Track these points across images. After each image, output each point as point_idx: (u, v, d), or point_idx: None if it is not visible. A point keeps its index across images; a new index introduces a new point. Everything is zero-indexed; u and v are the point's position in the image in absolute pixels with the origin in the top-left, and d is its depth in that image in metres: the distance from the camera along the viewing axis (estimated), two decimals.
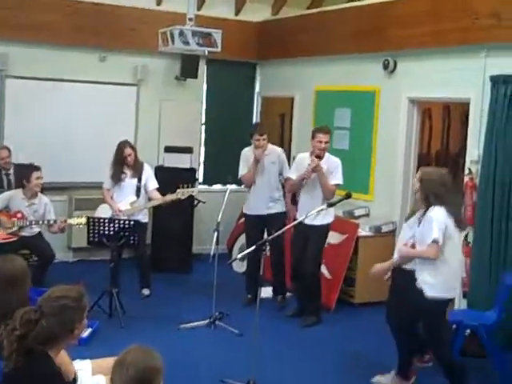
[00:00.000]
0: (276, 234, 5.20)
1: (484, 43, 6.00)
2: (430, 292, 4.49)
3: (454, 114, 8.54)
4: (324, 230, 6.36)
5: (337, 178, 6.32)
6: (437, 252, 4.42)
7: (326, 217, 6.26)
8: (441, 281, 4.49)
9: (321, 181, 6.24)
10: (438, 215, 4.45)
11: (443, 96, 6.73)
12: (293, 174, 6.50)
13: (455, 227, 4.51)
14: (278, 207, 6.84)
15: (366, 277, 4.89)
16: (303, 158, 6.47)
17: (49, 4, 7.87)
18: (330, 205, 5.17)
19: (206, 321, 6.16)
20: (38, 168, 6.73)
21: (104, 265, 6.67)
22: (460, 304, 6.01)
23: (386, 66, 7.12)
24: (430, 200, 4.52)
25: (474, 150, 6.12)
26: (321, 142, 6.26)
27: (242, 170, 6.88)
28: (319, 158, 6.21)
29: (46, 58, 8.03)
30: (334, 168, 6.34)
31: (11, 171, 7.31)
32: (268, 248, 5.41)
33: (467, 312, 5.71)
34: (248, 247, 5.64)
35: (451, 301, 4.80)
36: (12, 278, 3.30)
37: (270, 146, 6.85)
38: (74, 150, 8.12)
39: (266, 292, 6.88)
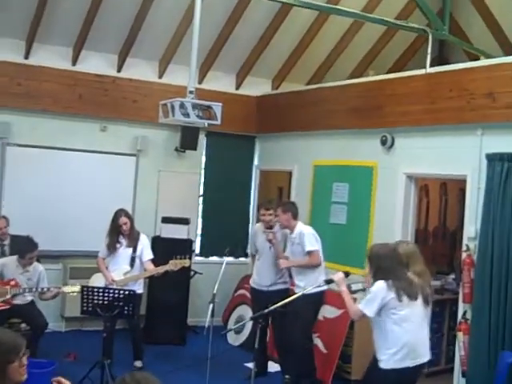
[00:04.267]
0: (273, 307, 5.15)
1: (479, 122, 6.10)
2: (383, 365, 4.56)
3: (451, 190, 8.60)
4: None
5: (307, 246, 6.38)
6: (353, 312, 4.71)
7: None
8: (390, 353, 4.52)
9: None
10: (377, 288, 4.54)
11: (440, 173, 6.79)
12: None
13: (406, 299, 4.50)
14: (282, 284, 6.81)
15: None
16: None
17: (51, 74, 8.04)
18: (328, 281, 5.14)
19: None
20: (33, 248, 6.64)
21: (97, 335, 6.56)
22: (459, 383, 5.89)
23: (383, 142, 7.20)
24: (375, 274, 4.62)
25: (472, 226, 6.12)
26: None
27: (250, 248, 7.07)
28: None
29: (48, 126, 8.16)
30: (300, 239, 6.45)
31: (7, 242, 7.24)
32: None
33: None
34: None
35: (414, 369, 4.66)
36: None
37: (277, 226, 6.86)
38: (72, 218, 8.12)
39: (274, 367, 6.98)
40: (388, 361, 4.53)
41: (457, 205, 8.21)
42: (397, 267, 4.56)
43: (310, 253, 6.39)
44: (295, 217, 6.58)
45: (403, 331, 4.51)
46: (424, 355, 4.65)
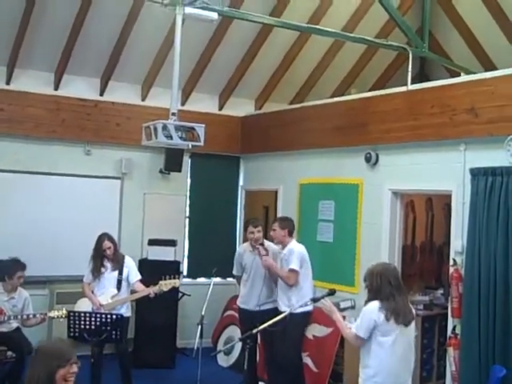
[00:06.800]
0: (261, 327, 5.12)
1: (462, 138, 6.15)
2: (362, 383, 4.56)
3: (437, 205, 8.64)
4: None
5: (292, 264, 6.40)
6: (351, 339, 4.67)
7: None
8: (370, 373, 4.51)
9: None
10: (368, 309, 4.54)
11: (425, 188, 6.81)
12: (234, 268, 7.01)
13: (393, 322, 4.47)
14: (270, 304, 6.78)
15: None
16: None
17: (34, 99, 8.03)
18: (315, 300, 5.13)
19: None
20: (23, 267, 6.61)
21: (84, 360, 6.40)
22: None
23: (368, 159, 7.23)
24: (368, 293, 4.63)
25: (458, 241, 6.15)
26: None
27: (236, 269, 7.04)
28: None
29: (31, 151, 8.13)
30: (288, 255, 6.47)
31: None
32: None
33: None
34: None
35: None
36: None
37: (267, 242, 6.85)
38: (57, 243, 8.07)
39: None
40: (366, 381, 4.51)
41: (443, 220, 8.25)
42: (386, 286, 4.53)
43: (290, 271, 6.38)
44: (291, 234, 6.58)
45: (387, 355, 4.47)
46: (405, 381, 4.59)
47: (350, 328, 4.70)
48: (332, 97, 9.10)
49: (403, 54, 8.40)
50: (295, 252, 6.43)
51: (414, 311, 4.73)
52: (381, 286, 4.54)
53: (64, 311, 6.41)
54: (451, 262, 6.18)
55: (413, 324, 4.66)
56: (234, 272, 7.08)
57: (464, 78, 6.79)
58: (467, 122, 6.07)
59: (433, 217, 8.76)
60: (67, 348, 3.25)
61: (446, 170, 6.36)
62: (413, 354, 4.72)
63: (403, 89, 6.97)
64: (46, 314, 6.57)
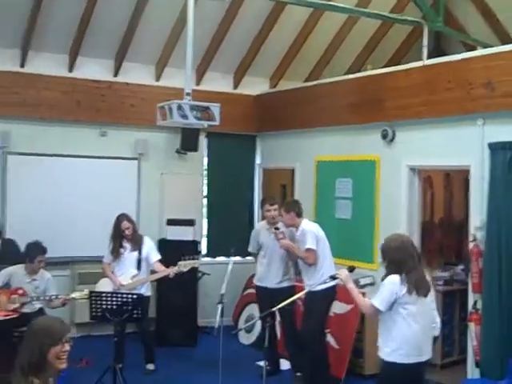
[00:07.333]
0: (280, 305, 5.14)
1: (479, 112, 6.11)
2: (386, 357, 4.54)
3: (455, 181, 8.60)
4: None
5: (307, 244, 6.39)
6: (365, 308, 4.66)
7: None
8: (393, 347, 4.50)
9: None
10: (389, 281, 4.51)
11: (443, 164, 6.80)
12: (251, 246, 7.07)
13: (414, 294, 4.48)
14: (287, 281, 6.82)
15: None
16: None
17: (48, 82, 8.04)
18: (333, 277, 5.14)
19: None
20: (43, 251, 6.66)
21: (108, 339, 6.56)
22: (473, 373, 5.89)
23: (384, 136, 7.20)
24: (388, 267, 4.59)
25: (478, 216, 6.13)
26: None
27: (252, 247, 7.07)
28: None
29: (47, 134, 8.16)
30: (302, 236, 6.47)
31: None
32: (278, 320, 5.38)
33: (480, 381, 5.59)
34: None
35: (417, 366, 4.63)
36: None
37: (281, 223, 6.82)
38: (77, 225, 8.13)
39: (286, 365, 7.02)
40: (391, 354, 4.51)
41: (462, 195, 8.22)
42: (409, 260, 4.52)
43: (307, 250, 6.40)
44: (299, 215, 6.57)
45: (410, 327, 4.48)
46: (427, 353, 4.61)
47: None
48: (347, 73, 9.03)
49: (418, 29, 8.32)
50: (308, 231, 6.43)
51: (430, 281, 4.73)
52: (402, 259, 4.51)
53: (86, 292, 6.49)
54: (471, 238, 6.17)
55: (431, 294, 4.66)
56: (250, 249, 7.10)
57: (480, 51, 6.71)
58: (484, 96, 6.02)
59: (451, 192, 8.73)
60: (60, 326, 3.23)
61: (464, 145, 6.33)
62: (436, 321, 4.73)
63: (419, 64, 6.92)
64: (68, 296, 6.63)
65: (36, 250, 6.63)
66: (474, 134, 6.19)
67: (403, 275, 4.48)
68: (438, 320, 4.76)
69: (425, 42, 7.46)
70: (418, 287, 4.49)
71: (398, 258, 4.52)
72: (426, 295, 4.55)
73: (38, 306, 6.75)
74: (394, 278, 4.50)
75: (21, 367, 3.10)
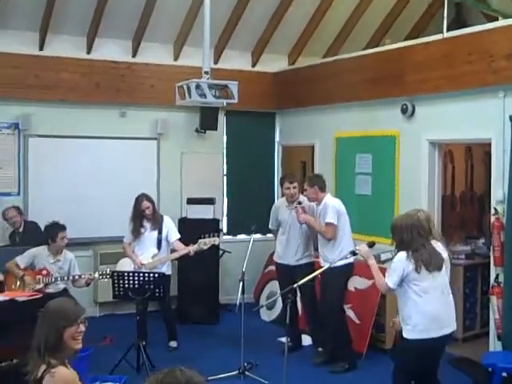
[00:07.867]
0: (301, 281, 5.16)
1: (501, 84, 6.02)
2: (406, 334, 4.59)
3: (476, 154, 8.52)
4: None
5: (328, 218, 6.40)
6: (380, 286, 4.77)
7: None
8: (412, 323, 4.54)
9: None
10: (397, 258, 4.59)
11: (463, 137, 6.73)
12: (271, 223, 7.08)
13: (425, 272, 4.51)
14: (307, 258, 6.83)
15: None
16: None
17: (67, 64, 8.08)
18: (353, 253, 5.14)
19: (235, 372, 6.09)
20: (63, 228, 6.75)
21: (130, 318, 6.65)
22: (495, 346, 5.88)
23: (404, 111, 7.14)
24: (398, 245, 4.65)
25: (499, 189, 6.07)
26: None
27: (271, 223, 7.07)
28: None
29: (67, 116, 8.21)
30: (324, 209, 6.47)
31: (21, 229, 7.53)
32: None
33: (502, 354, 5.58)
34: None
35: (439, 340, 4.63)
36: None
37: (302, 197, 6.83)
38: (98, 206, 8.20)
39: (308, 340, 7.08)
40: (411, 331, 4.55)
41: (483, 168, 8.14)
42: (417, 238, 4.55)
43: (327, 224, 6.40)
44: (322, 189, 6.56)
45: (424, 302, 4.52)
46: (449, 325, 4.63)
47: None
48: (366, 48, 8.94)
49: (438, 0, 8.19)
50: (330, 206, 6.43)
51: (444, 253, 4.70)
52: (412, 238, 4.55)
53: (108, 271, 6.58)
54: (492, 211, 6.12)
55: (444, 267, 4.65)
56: (270, 226, 7.11)
57: (502, 22, 6.59)
58: (506, 68, 5.93)
59: (472, 166, 8.65)
60: (74, 308, 3.33)
61: (484, 118, 6.25)
62: (450, 296, 4.73)
63: (439, 36, 6.81)
64: (91, 275, 6.71)
65: (56, 227, 6.72)
66: (495, 107, 6.11)
67: (410, 252, 4.53)
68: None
69: (445, 13, 7.34)
70: (428, 264, 4.53)
71: (407, 238, 4.57)
72: (439, 269, 4.57)
73: (61, 286, 6.84)
74: (402, 255, 4.56)
75: (37, 348, 3.17)
